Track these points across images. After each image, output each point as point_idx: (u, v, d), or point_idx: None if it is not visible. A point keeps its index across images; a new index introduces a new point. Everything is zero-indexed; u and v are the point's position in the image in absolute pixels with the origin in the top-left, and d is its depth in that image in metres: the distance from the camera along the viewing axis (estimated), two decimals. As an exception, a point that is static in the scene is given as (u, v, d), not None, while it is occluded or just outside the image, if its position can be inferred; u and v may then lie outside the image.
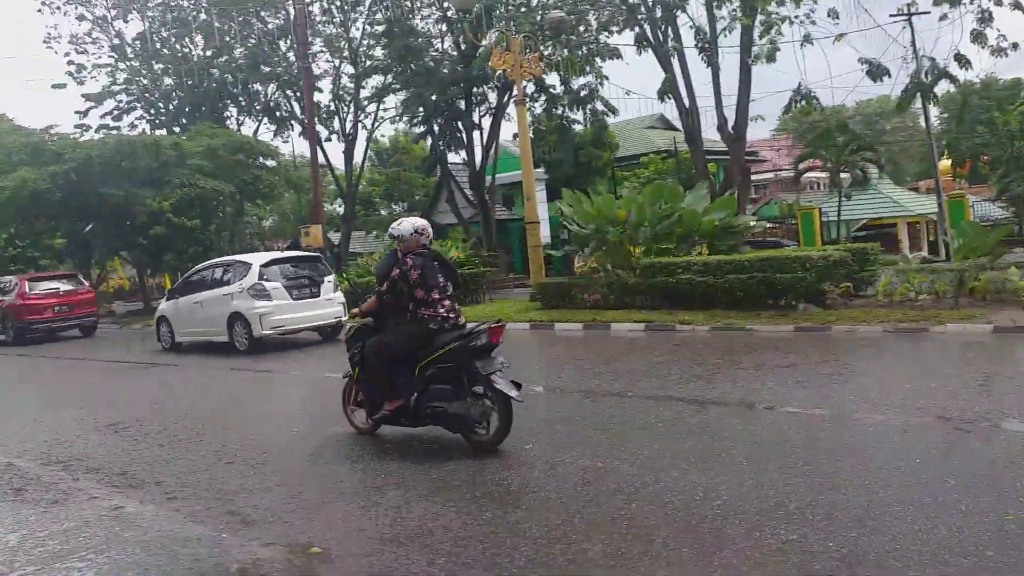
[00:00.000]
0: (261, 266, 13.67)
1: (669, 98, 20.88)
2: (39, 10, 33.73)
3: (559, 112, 27.76)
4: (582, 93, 25.82)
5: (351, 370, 6.52)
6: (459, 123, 28.15)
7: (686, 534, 3.96)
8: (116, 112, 33.59)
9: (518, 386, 5.74)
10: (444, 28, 27.80)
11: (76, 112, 33.04)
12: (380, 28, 28.36)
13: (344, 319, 13.93)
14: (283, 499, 5.05)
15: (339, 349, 14.94)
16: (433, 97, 26.28)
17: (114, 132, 31.21)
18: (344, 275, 22.14)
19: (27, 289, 20.24)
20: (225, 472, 5.88)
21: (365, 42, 29.93)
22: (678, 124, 25.02)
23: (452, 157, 30.86)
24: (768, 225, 24.88)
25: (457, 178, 31.58)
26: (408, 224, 6.21)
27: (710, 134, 23.84)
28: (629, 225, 14.78)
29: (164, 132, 31.94)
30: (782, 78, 37.91)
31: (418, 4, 27.25)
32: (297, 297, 13.55)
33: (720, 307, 12.59)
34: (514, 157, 28.00)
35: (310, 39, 26.78)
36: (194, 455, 6.51)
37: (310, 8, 27.75)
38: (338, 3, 29.35)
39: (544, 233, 23.63)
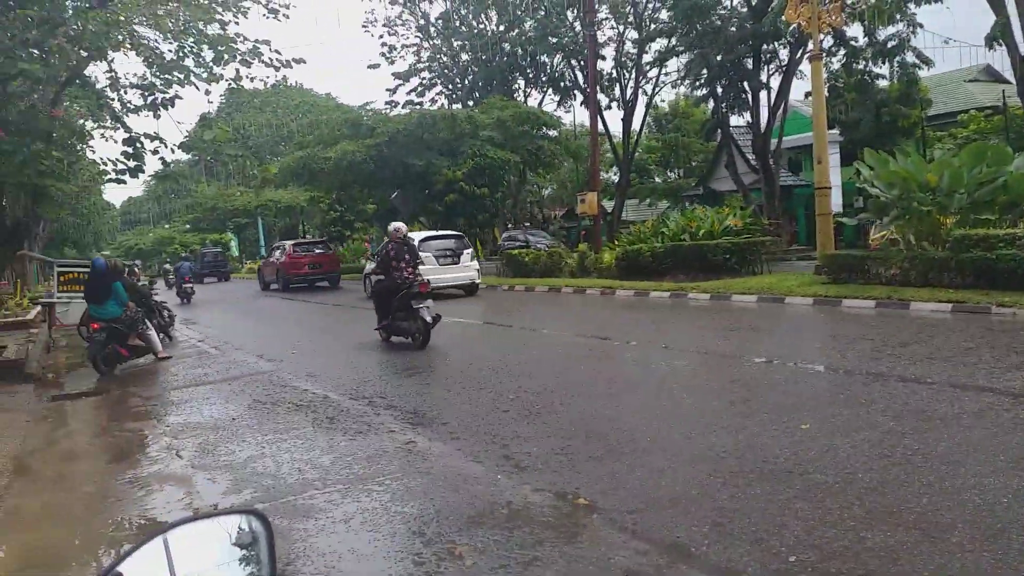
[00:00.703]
0: (420, 241, 17.63)
1: (999, 44, 18.01)
2: (360, -2, 37.90)
3: (860, 67, 25.23)
4: (889, 44, 23.25)
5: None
6: (745, 83, 26.82)
7: (988, 538, 3.47)
8: (420, 88, 36.97)
9: (438, 317, 10.39)
10: (735, -17, 26.54)
11: (387, 90, 37.14)
12: (667, -11, 27.88)
13: (478, 281, 19.24)
14: (553, 450, 5.27)
15: (474, 301, 17.84)
16: (718, 57, 25.29)
17: (418, 107, 34.37)
18: (617, 241, 22.39)
19: (292, 251, 27.88)
20: (502, 419, 6.27)
21: (650, 5, 29.62)
22: (1008, 75, 21.50)
23: (734, 120, 29.60)
24: None
25: (739, 142, 30.24)
26: (392, 227, 11.34)
27: (1051, 85, 20.17)
28: (940, 191, 13.09)
29: (459, 106, 34.47)
30: None
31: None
32: (442, 264, 18.11)
33: (1052, 289, 10.73)
34: (804, 118, 26.12)
35: (596, 6, 27.07)
36: (475, 401, 7.03)
37: (597, -25, 28.01)
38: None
39: (835, 201, 21.79)
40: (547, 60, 33.91)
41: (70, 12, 10.86)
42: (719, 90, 27.50)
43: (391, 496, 4.61)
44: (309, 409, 7.24)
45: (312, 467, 5.33)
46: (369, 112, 30.58)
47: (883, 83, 26.54)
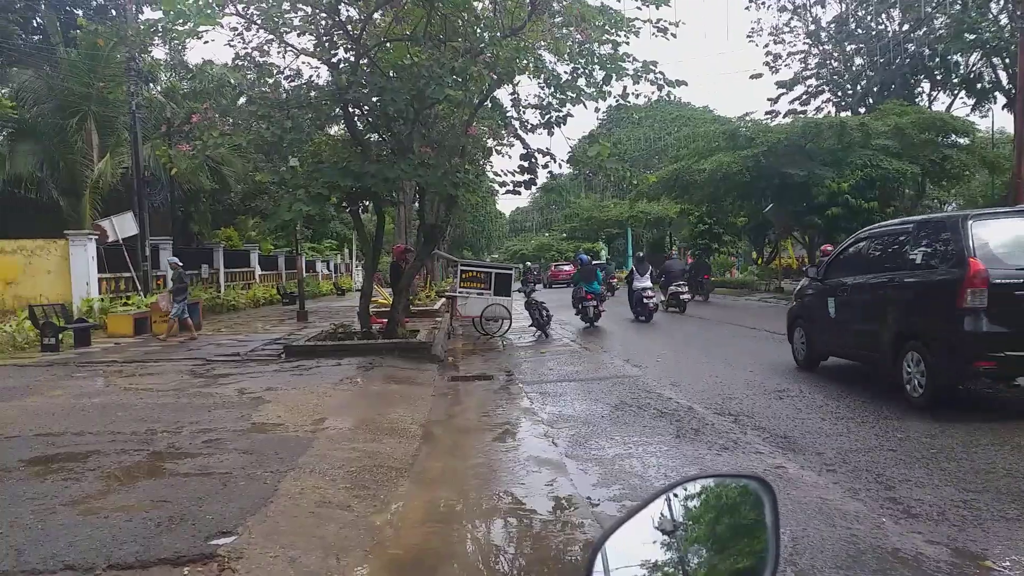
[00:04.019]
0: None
1: None
2: (747, 7, 37.34)
3: None
4: None
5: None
6: None
7: None
8: (804, 96, 35.21)
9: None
10: None
11: (768, 99, 36.02)
12: None
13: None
14: (953, 501, 4.57)
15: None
16: None
17: (800, 116, 32.69)
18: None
19: (552, 268, 47.14)
20: (887, 458, 5.63)
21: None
22: None
23: None
24: None
25: None
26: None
27: None
28: None
29: (848, 113, 32.02)
30: None
31: None
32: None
33: None
34: None
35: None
36: (854, 434, 6.41)
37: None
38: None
39: None
40: (960, 59, 29.81)
41: (486, 41, 12.29)
42: None
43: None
44: (673, 418, 7.27)
45: (677, 474, 5.32)
46: (748, 123, 29.88)
47: None
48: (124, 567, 3.65)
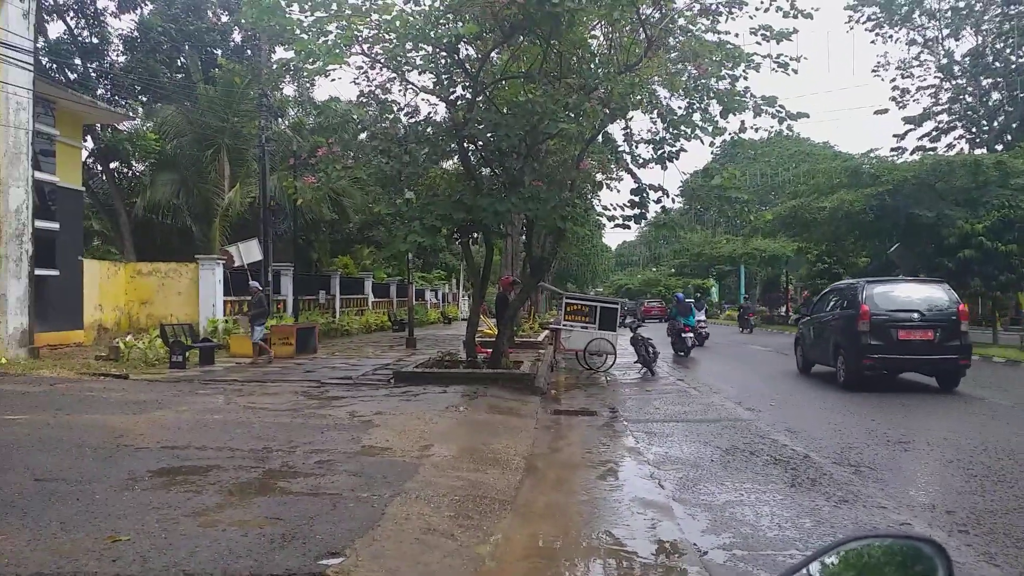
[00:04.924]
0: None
1: None
2: (872, 41, 36.10)
3: None
4: None
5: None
6: None
7: None
8: (934, 133, 33.53)
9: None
10: None
11: (894, 136, 34.95)
12: None
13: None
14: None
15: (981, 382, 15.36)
16: None
17: (930, 153, 31.08)
18: None
19: (645, 304, 50.02)
20: (1028, 522, 5.16)
21: None
22: None
23: None
24: None
25: None
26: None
27: None
28: None
29: (984, 150, 30.20)
30: None
31: None
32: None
33: None
34: None
35: None
36: (988, 493, 5.93)
37: None
38: None
39: None
40: (1112, 93, 27.68)
41: (601, 77, 12.34)
42: None
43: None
44: (788, 466, 6.94)
45: (792, 526, 5.06)
46: (872, 160, 28.61)
47: None
48: (239, 580, 3.78)
